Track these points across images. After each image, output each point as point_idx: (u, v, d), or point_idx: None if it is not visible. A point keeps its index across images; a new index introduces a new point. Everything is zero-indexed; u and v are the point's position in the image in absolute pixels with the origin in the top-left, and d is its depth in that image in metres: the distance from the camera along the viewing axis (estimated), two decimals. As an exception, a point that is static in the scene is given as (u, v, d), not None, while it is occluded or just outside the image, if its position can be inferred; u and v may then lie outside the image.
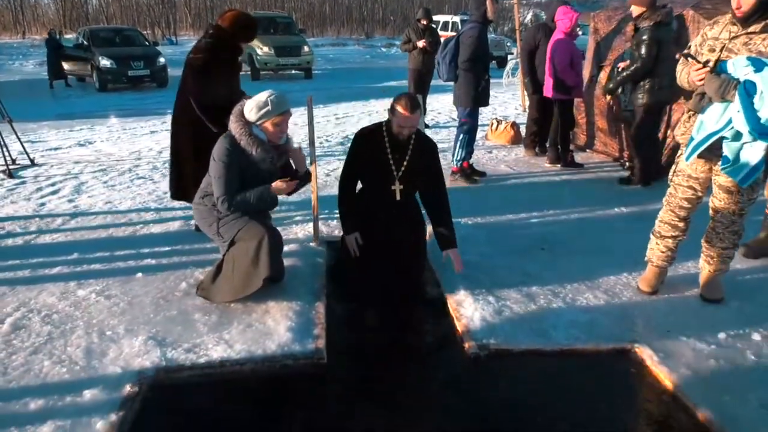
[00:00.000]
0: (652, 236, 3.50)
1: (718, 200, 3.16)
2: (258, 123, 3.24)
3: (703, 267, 3.37)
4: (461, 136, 5.89)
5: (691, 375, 2.68)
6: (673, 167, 3.35)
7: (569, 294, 3.47)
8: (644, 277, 3.52)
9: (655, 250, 3.47)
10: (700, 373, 2.69)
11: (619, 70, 5.49)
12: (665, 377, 2.68)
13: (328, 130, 8.93)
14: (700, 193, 3.26)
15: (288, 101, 3.33)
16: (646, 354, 2.85)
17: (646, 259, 3.52)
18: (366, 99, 12.44)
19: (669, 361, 2.78)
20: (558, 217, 4.92)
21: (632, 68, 5.28)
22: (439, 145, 7.46)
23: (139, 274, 3.72)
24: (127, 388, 2.57)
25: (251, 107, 3.23)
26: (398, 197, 3.60)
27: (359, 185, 3.79)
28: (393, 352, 3.01)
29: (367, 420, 2.50)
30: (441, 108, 10.77)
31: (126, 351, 2.86)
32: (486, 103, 5.95)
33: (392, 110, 3.43)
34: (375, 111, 10.85)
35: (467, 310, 3.24)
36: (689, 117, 3.19)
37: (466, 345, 2.94)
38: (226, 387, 2.69)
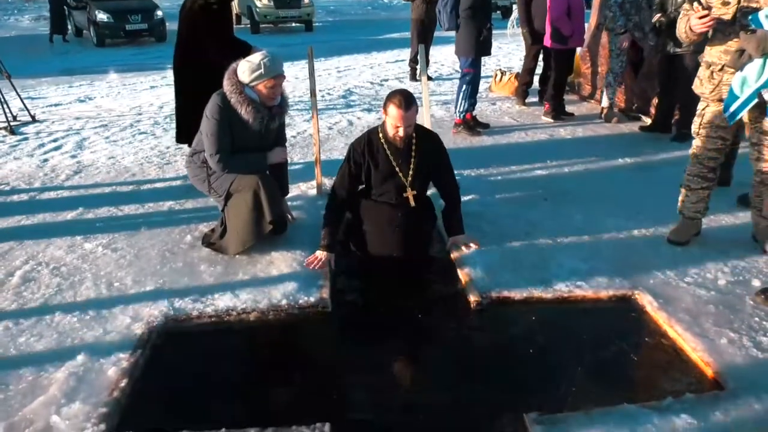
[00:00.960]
0: (681, 189, 3.46)
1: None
2: (251, 85, 3.21)
3: (759, 222, 3.26)
4: (464, 87, 5.82)
5: (690, 320, 2.72)
6: (698, 120, 3.30)
7: (571, 243, 3.49)
8: (675, 228, 3.50)
9: (686, 202, 3.44)
10: (699, 319, 2.73)
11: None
12: (664, 322, 2.73)
13: (329, 83, 8.81)
14: (728, 142, 3.25)
15: (281, 64, 3.27)
16: (646, 300, 2.89)
17: (678, 211, 3.50)
18: (368, 51, 12.22)
19: (668, 306, 2.82)
20: (561, 168, 4.90)
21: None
22: (442, 97, 7.50)
23: (144, 228, 3.76)
24: (137, 336, 2.63)
25: (244, 69, 3.18)
26: (413, 203, 3.34)
27: (357, 196, 3.46)
28: (396, 300, 3.05)
29: (370, 364, 2.56)
30: (444, 60, 10.58)
31: (134, 301, 2.92)
32: (488, 53, 5.84)
33: (385, 110, 3.14)
34: (377, 63, 10.68)
35: (470, 259, 3.26)
36: (711, 74, 3.13)
37: (469, 293, 2.98)
38: (232, 335, 2.75)
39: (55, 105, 7.67)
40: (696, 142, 3.34)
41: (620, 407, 2.15)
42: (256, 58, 3.19)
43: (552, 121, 6.40)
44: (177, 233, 3.68)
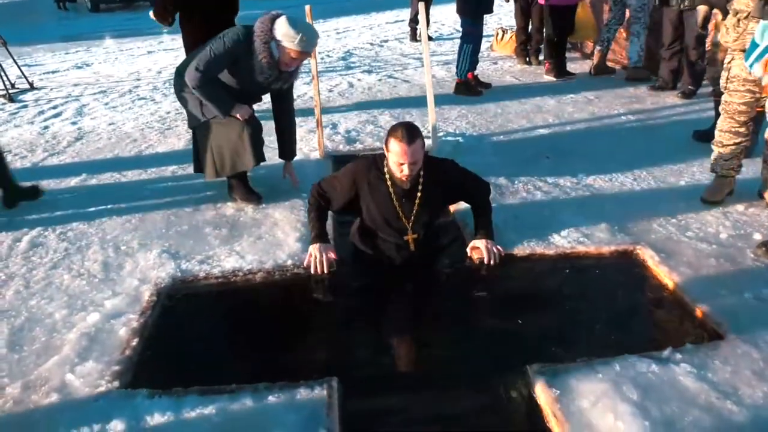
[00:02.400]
0: (714, 147, 3.41)
1: None
2: (279, 42, 3.17)
3: None
4: (465, 46, 5.73)
5: (691, 273, 2.75)
6: (725, 74, 3.26)
7: (573, 200, 3.50)
8: (709, 188, 3.44)
9: (719, 159, 3.38)
10: (700, 271, 2.76)
11: None
12: (665, 275, 2.76)
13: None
14: (758, 94, 3.18)
15: (315, 44, 3.26)
16: (647, 254, 2.91)
17: (710, 170, 3.47)
18: (367, 12, 12.01)
19: (670, 260, 2.85)
20: (563, 126, 4.88)
21: None
22: (443, 57, 7.39)
23: (148, 192, 3.78)
24: (146, 298, 2.68)
25: (282, 27, 3.12)
26: (413, 248, 2.87)
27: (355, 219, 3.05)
28: (400, 257, 3.08)
29: (375, 321, 2.61)
30: (445, 19, 10.40)
31: (142, 264, 2.96)
32: (490, 11, 5.74)
33: (386, 145, 2.64)
34: (377, 24, 10.51)
35: (472, 218, 3.28)
36: (738, 21, 3.08)
37: (471, 251, 3.01)
38: (239, 295, 2.80)
39: (53, 72, 7.60)
40: (725, 97, 3.29)
41: (621, 357, 2.20)
42: (298, 25, 3.14)
43: (554, 79, 6.33)
44: (181, 197, 3.70)
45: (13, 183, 3.72)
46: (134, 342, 2.38)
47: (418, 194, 2.76)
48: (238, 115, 3.34)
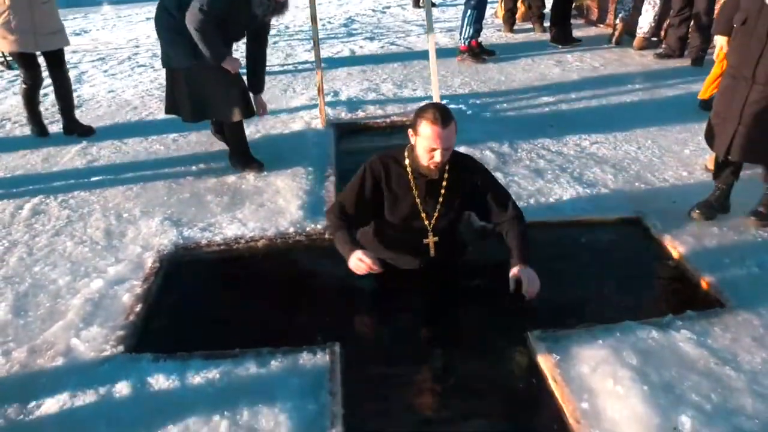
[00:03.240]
0: None
1: None
2: None
3: None
4: (468, 12, 5.63)
5: (694, 241, 2.75)
6: None
7: (576, 169, 3.48)
8: (712, 157, 3.33)
9: None
10: (702, 240, 2.76)
11: None
12: (668, 243, 2.76)
13: (330, 11, 8.55)
14: None
15: None
16: (650, 223, 2.91)
17: None
18: (369, -23, 11.75)
19: (673, 228, 2.84)
20: (567, 94, 4.82)
21: None
22: (447, 24, 7.27)
23: (149, 160, 3.76)
24: (149, 264, 2.69)
25: None
26: (433, 253, 2.55)
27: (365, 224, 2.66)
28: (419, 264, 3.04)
29: (377, 288, 2.61)
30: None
31: (144, 231, 2.96)
32: None
33: (415, 128, 2.31)
34: (379, -10, 10.29)
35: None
36: None
37: (474, 217, 3.00)
38: (241, 262, 2.80)
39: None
40: None
41: (622, 324, 2.21)
42: None
43: (559, 47, 6.23)
44: (182, 165, 3.68)
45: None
46: (138, 308, 2.40)
47: (442, 191, 2.44)
48: (229, 68, 3.29)
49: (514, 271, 2.34)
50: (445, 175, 2.43)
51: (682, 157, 3.62)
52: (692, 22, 5.48)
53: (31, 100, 4.19)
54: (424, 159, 2.31)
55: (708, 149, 3.57)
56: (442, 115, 2.24)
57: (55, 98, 4.30)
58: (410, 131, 2.36)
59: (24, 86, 4.16)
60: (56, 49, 4.03)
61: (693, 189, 3.21)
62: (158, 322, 2.40)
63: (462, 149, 3.67)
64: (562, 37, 6.29)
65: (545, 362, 2.09)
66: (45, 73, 4.21)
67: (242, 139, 3.58)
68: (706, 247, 2.71)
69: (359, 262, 2.32)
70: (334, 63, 5.89)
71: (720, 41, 2.84)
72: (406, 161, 2.42)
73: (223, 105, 3.41)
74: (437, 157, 2.28)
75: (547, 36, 6.57)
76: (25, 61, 4.01)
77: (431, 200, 2.46)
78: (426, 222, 2.48)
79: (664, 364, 2.03)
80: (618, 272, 2.66)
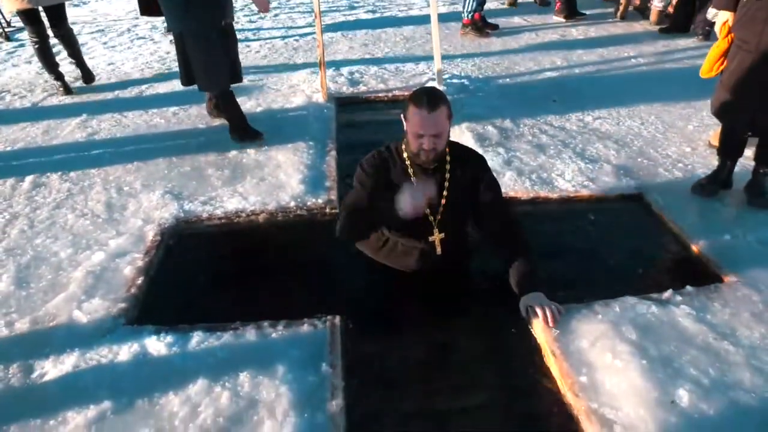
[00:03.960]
0: None
1: None
2: None
3: None
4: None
5: (695, 217, 2.74)
6: None
7: (579, 144, 3.45)
8: (716, 133, 3.31)
9: None
10: (703, 216, 2.75)
11: None
12: (669, 219, 2.75)
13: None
14: None
15: None
16: (652, 199, 2.90)
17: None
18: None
19: (674, 205, 2.83)
20: (571, 69, 4.76)
21: None
22: (450, -3, 7.13)
23: (150, 134, 3.74)
24: (150, 237, 2.69)
25: None
26: (439, 251, 2.39)
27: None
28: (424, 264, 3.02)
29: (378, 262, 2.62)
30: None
31: (145, 204, 2.95)
32: None
33: (405, 113, 2.17)
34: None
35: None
36: None
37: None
38: (242, 235, 2.81)
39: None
40: None
41: (621, 299, 2.22)
42: None
43: (564, 20, 6.14)
44: (182, 138, 3.66)
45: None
46: (139, 280, 2.41)
47: (446, 183, 2.28)
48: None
49: (524, 301, 2.19)
50: (447, 167, 2.28)
51: (686, 132, 3.59)
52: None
53: (45, 54, 4.40)
54: (414, 146, 2.16)
55: (711, 125, 3.56)
56: (429, 99, 2.08)
57: (67, 53, 4.62)
58: (402, 117, 2.21)
59: (35, 45, 4.36)
60: (56, 4, 4.31)
61: (696, 165, 3.19)
62: (159, 294, 2.41)
63: (465, 124, 3.68)
64: (567, 11, 6.19)
65: (544, 337, 2.10)
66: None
67: (235, 110, 3.57)
68: (707, 222, 2.71)
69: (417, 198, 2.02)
70: (336, 36, 5.81)
71: (724, 16, 2.77)
72: (405, 153, 2.28)
73: (203, 74, 3.41)
74: (425, 144, 2.12)
75: (551, 10, 6.47)
76: (28, 18, 4.24)
77: (434, 194, 2.19)
78: (430, 217, 2.32)
79: (663, 338, 2.04)
80: (618, 248, 2.66)
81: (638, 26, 5.89)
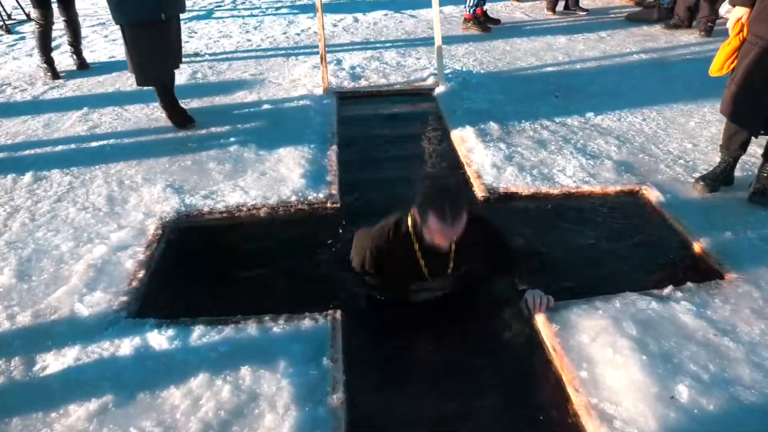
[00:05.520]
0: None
1: None
2: None
3: None
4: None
5: (696, 213, 2.74)
6: None
7: (580, 140, 3.45)
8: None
9: None
10: (705, 212, 2.75)
11: None
12: (670, 216, 2.75)
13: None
14: None
15: None
16: (653, 195, 2.90)
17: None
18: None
19: (675, 201, 2.84)
20: (573, 65, 4.75)
21: None
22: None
23: (151, 127, 3.74)
24: (151, 231, 2.69)
25: None
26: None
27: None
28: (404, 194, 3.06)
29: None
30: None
31: (146, 198, 2.95)
32: None
33: (422, 215, 2.03)
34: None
35: (478, 156, 3.25)
36: None
37: (476, 188, 2.99)
38: (243, 229, 2.81)
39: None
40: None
41: (622, 294, 2.22)
42: None
43: (554, 16, 6.13)
44: (184, 132, 3.65)
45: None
46: (141, 274, 2.41)
47: (451, 263, 2.23)
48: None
49: (526, 297, 2.21)
50: (453, 246, 2.17)
51: (687, 129, 3.58)
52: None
53: (44, 37, 4.56)
54: (430, 239, 2.06)
55: (713, 121, 3.56)
56: (452, 211, 1.95)
57: (67, 36, 4.83)
58: (415, 211, 2.08)
59: (38, 27, 4.51)
60: None
61: (697, 161, 3.19)
62: (161, 288, 2.42)
63: (466, 119, 3.67)
64: (569, 5, 6.18)
65: (545, 331, 2.11)
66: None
67: (166, 101, 3.67)
68: (709, 219, 2.71)
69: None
70: (337, 30, 5.80)
71: (739, 12, 2.71)
72: (412, 234, 2.16)
73: (139, 68, 3.47)
74: (446, 243, 2.07)
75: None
76: (38, 0, 4.42)
77: (439, 268, 2.24)
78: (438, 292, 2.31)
79: (664, 334, 2.04)
80: (620, 243, 2.66)
81: (642, 22, 5.86)
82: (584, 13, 5.97)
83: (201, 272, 2.55)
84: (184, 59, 4.98)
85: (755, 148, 3.06)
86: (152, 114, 3.94)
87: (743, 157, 3.00)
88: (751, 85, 2.65)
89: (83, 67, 4.84)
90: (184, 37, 5.70)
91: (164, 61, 3.51)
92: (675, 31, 5.50)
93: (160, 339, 2.06)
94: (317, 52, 4.37)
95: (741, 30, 2.70)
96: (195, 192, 2.99)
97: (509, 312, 2.25)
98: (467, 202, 2.05)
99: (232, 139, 3.53)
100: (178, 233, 2.75)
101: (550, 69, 4.67)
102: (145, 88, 3.70)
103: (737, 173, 3.02)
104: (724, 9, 3.04)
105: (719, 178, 2.93)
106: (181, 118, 3.71)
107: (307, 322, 2.13)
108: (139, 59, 3.43)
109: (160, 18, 3.32)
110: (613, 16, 6.10)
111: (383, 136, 3.67)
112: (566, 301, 2.21)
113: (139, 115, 3.93)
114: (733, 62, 2.77)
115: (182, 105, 4.01)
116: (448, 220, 1.95)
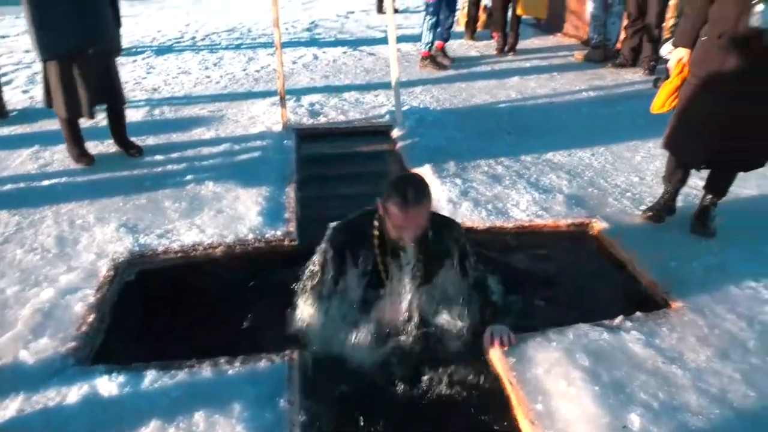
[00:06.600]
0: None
1: None
2: None
3: None
4: (427, 18, 5.72)
5: (644, 245, 2.84)
6: None
7: (533, 175, 3.56)
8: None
9: None
10: (651, 244, 2.85)
11: None
12: (619, 247, 2.85)
13: (294, 15, 8.51)
14: None
15: None
16: (601, 227, 3.00)
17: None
18: (333, -18, 11.75)
19: (623, 232, 2.94)
20: (525, 102, 4.92)
21: None
22: (410, 30, 7.32)
23: (104, 165, 3.68)
24: (103, 272, 2.62)
25: None
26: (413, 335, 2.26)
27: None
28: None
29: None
30: (412, -9, 10.28)
31: (98, 238, 2.89)
32: None
33: (384, 203, 2.02)
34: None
35: (434, 192, 3.26)
36: None
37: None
38: (199, 269, 2.76)
39: (2, 37, 7.27)
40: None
41: (574, 326, 2.27)
42: None
43: (498, 55, 6.37)
44: (138, 169, 3.61)
45: None
46: (91, 318, 2.34)
47: (419, 264, 2.16)
48: None
49: (486, 334, 2.20)
50: (427, 242, 2.14)
51: (634, 163, 3.74)
52: (644, 34, 5.68)
53: None
54: (393, 233, 2.06)
55: (657, 155, 3.73)
56: (413, 194, 1.96)
57: None
58: (378, 202, 2.06)
59: None
60: None
61: (644, 194, 3.32)
62: (112, 332, 2.35)
63: (423, 155, 3.74)
64: (511, 45, 6.43)
65: (501, 365, 2.13)
66: None
67: (69, 132, 3.69)
68: (655, 249, 2.81)
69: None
70: (297, 67, 5.87)
71: (681, 53, 2.86)
72: (376, 230, 2.13)
73: (52, 98, 3.52)
74: (407, 236, 2.03)
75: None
76: None
77: (400, 274, 2.18)
78: (402, 308, 2.23)
79: (615, 364, 2.09)
80: (572, 275, 2.73)
81: (584, 60, 6.14)
82: (448, 62, 6.05)
83: (155, 314, 2.50)
84: (141, 95, 4.97)
85: (696, 180, 3.21)
86: (107, 151, 3.89)
87: (686, 189, 3.14)
88: (692, 122, 2.79)
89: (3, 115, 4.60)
90: (141, 72, 5.70)
91: (75, 97, 3.48)
92: (620, 70, 5.78)
93: (110, 386, 1.99)
94: (276, 89, 4.41)
95: (682, 70, 2.85)
96: (150, 231, 2.94)
97: (468, 346, 2.26)
98: (430, 193, 2.05)
99: (188, 177, 3.50)
100: (132, 274, 2.69)
101: (503, 106, 4.83)
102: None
103: (681, 204, 3.16)
104: (664, 50, 3.23)
105: (663, 209, 3.06)
106: (76, 153, 3.70)
107: (263, 364, 2.10)
108: (53, 92, 3.46)
109: (81, 51, 3.34)
110: (562, 55, 6.37)
111: (342, 173, 3.70)
112: (522, 334, 2.24)
113: (92, 152, 3.86)
114: (674, 100, 2.91)
115: (138, 140, 3.97)
116: (409, 201, 1.94)
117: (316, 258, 2.28)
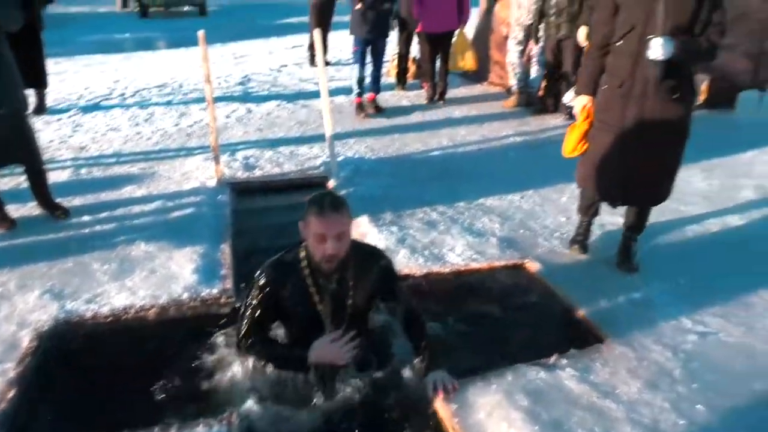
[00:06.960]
0: None
1: None
2: None
3: None
4: (355, 67, 5.91)
5: (574, 283, 2.96)
6: None
7: (467, 219, 3.67)
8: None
9: None
10: (581, 281, 2.99)
11: None
12: (552, 286, 2.96)
13: (226, 69, 8.54)
14: None
15: None
16: (534, 267, 3.11)
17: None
18: (266, 36, 11.94)
19: (555, 273, 3.06)
20: (456, 149, 5.11)
21: None
22: (343, 83, 7.50)
23: (27, 227, 3.51)
24: (25, 344, 2.48)
25: None
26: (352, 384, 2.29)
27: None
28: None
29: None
30: (343, 45, 10.56)
31: (20, 307, 2.74)
32: (382, 34, 5.94)
33: (305, 218, 2.07)
34: (276, 49, 10.48)
35: (371, 240, 3.34)
36: None
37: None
38: (130, 334, 2.66)
39: None
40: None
41: (513, 367, 2.32)
42: None
43: (428, 104, 6.63)
44: (64, 232, 3.47)
45: None
46: (11, 394, 2.19)
47: (350, 292, 2.20)
48: None
49: (430, 381, 2.20)
50: (351, 270, 2.19)
51: (560, 204, 3.93)
52: (563, 82, 6.06)
53: None
54: (317, 252, 2.07)
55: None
56: (331, 200, 2.05)
57: None
58: (301, 224, 2.11)
59: None
60: None
61: (571, 233, 3.47)
62: (35, 407, 2.21)
63: (359, 205, 3.78)
64: (431, 93, 6.70)
65: (444, 412, 2.14)
66: None
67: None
68: (585, 287, 2.93)
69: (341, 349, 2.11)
70: (230, 122, 5.87)
71: (584, 100, 3.06)
72: (304, 260, 2.17)
73: None
74: (329, 247, 2.03)
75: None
76: None
77: (338, 305, 2.21)
78: (330, 329, 2.21)
79: (553, 402, 2.15)
80: (509, 316, 2.81)
81: (512, 108, 6.45)
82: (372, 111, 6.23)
83: (83, 384, 2.36)
84: (67, 154, 4.82)
85: (618, 218, 3.40)
86: (29, 214, 3.72)
87: (613, 227, 3.36)
88: (603, 163, 3.00)
89: None
90: (67, 131, 5.54)
91: None
92: (543, 115, 6.11)
93: (31, 467, 1.86)
94: (209, 144, 4.38)
95: (588, 116, 3.06)
96: (77, 296, 2.81)
97: (409, 396, 2.26)
98: (348, 208, 2.09)
99: (118, 237, 3.39)
100: (56, 343, 2.55)
101: (436, 153, 4.99)
102: (22, 186, 3.53)
103: (608, 243, 3.33)
104: (567, 98, 3.47)
105: (585, 238, 3.28)
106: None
107: (200, 429, 2.03)
108: None
109: None
110: (489, 103, 6.67)
111: (278, 227, 3.68)
112: (463, 380, 2.26)
113: (13, 215, 3.68)
114: (584, 144, 3.11)
115: (64, 201, 3.83)
116: (325, 207, 2.00)
117: (249, 300, 2.23)
